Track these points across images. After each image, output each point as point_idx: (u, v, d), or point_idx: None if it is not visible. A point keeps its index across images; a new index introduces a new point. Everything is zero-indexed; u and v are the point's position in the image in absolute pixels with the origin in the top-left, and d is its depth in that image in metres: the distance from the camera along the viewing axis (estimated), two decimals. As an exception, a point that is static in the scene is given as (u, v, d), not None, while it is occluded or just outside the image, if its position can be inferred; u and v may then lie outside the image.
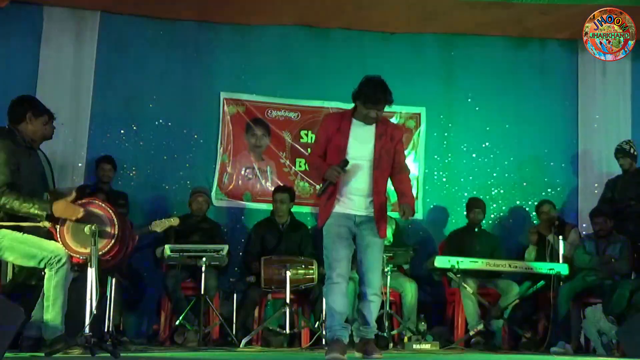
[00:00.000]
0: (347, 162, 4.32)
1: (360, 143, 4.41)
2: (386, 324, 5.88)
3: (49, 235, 4.20)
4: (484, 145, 7.52)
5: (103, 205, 4.23)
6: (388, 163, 4.46)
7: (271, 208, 6.70)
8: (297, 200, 6.85)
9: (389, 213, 5.00)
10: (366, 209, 4.43)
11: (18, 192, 4.12)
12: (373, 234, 4.45)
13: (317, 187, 5.01)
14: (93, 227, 4.02)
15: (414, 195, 4.56)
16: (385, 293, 5.84)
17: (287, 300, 5.82)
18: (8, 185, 4.12)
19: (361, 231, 4.45)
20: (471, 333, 6.11)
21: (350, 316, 5.24)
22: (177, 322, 5.87)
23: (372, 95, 4.35)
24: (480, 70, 7.56)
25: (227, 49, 7.30)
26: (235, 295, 6.23)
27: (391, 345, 5.94)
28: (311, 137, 7.24)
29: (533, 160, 7.50)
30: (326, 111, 7.27)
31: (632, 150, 6.59)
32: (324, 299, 5.90)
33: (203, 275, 5.75)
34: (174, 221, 5.64)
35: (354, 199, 4.42)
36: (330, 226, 4.41)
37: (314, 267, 6.04)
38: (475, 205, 6.84)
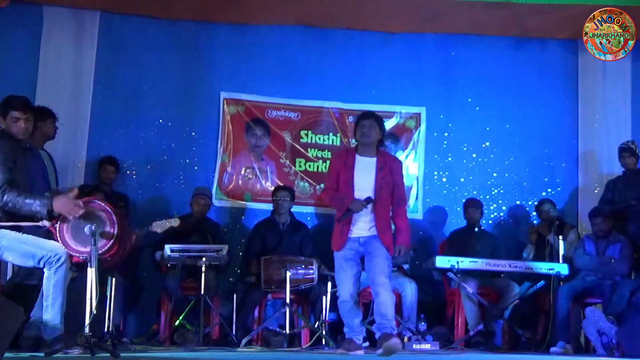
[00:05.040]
0: (371, 200, 5.07)
1: (363, 175, 5.14)
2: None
3: (48, 234, 4.20)
4: (484, 145, 7.51)
5: (103, 204, 4.22)
6: (387, 192, 5.16)
7: (271, 208, 6.71)
8: (297, 201, 6.88)
9: None
10: (369, 230, 5.14)
11: (19, 190, 4.10)
12: (377, 246, 5.11)
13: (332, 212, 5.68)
14: (93, 227, 4.02)
15: (408, 230, 5.28)
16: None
17: (287, 300, 5.83)
18: (9, 183, 4.11)
19: (367, 247, 5.14)
20: (471, 333, 6.12)
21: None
22: (177, 322, 5.87)
23: (362, 114, 5.35)
24: (480, 70, 7.56)
25: (227, 49, 7.29)
26: (235, 295, 6.23)
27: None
28: (311, 137, 7.31)
29: (533, 160, 7.49)
30: (326, 111, 7.35)
31: (636, 150, 6.60)
32: (323, 302, 6.00)
33: (203, 275, 5.76)
34: (175, 222, 5.62)
35: (358, 224, 5.14)
36: (340, 250, 5.15)
37: (314, 267, 6.04)
38: (470, 204, 6.86)
